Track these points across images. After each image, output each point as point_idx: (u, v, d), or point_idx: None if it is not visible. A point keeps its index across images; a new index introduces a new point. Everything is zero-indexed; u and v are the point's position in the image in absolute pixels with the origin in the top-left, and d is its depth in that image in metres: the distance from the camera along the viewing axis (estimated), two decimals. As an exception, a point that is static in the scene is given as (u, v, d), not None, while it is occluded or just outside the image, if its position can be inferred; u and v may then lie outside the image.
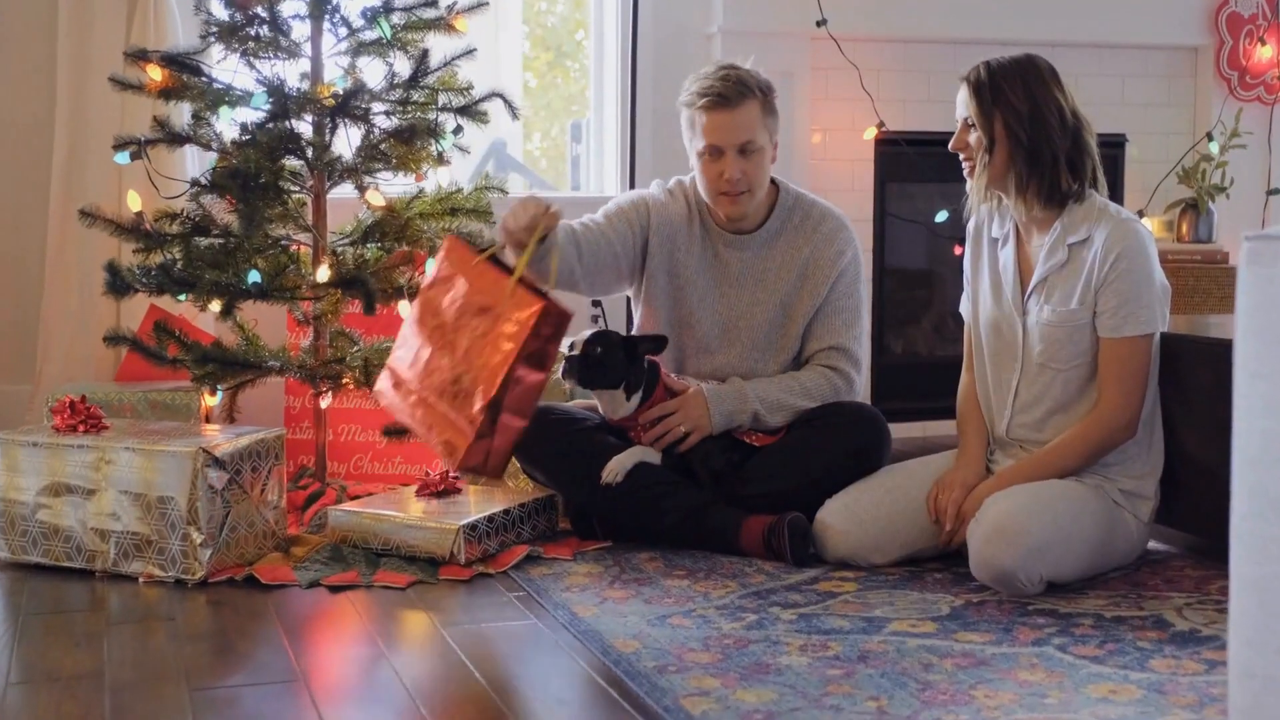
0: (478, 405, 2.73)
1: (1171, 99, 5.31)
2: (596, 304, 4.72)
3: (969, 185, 3.10)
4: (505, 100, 3.55)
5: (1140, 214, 5.25)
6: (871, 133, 4.81)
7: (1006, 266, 3.10)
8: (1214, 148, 5.06)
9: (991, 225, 3.16)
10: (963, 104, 3.04)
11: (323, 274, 3.29)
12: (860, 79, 4.72)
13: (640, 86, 4.68)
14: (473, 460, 2.75)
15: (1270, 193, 5.18)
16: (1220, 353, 3.04)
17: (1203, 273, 4.83)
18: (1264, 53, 5.18)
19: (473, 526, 3.10)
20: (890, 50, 4.94)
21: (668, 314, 3.43)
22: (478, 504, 3.28)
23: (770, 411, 3.33)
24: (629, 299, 4.57)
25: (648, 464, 3.25)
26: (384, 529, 3.15)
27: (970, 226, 3.22)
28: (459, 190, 3.58)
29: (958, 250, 4.94)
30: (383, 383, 2.97)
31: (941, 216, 4.86)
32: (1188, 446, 3.11)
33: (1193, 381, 3.09)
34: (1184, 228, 5.03)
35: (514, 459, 3.37)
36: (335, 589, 2.94)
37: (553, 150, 8.22)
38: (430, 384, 2.83)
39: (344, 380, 3.38)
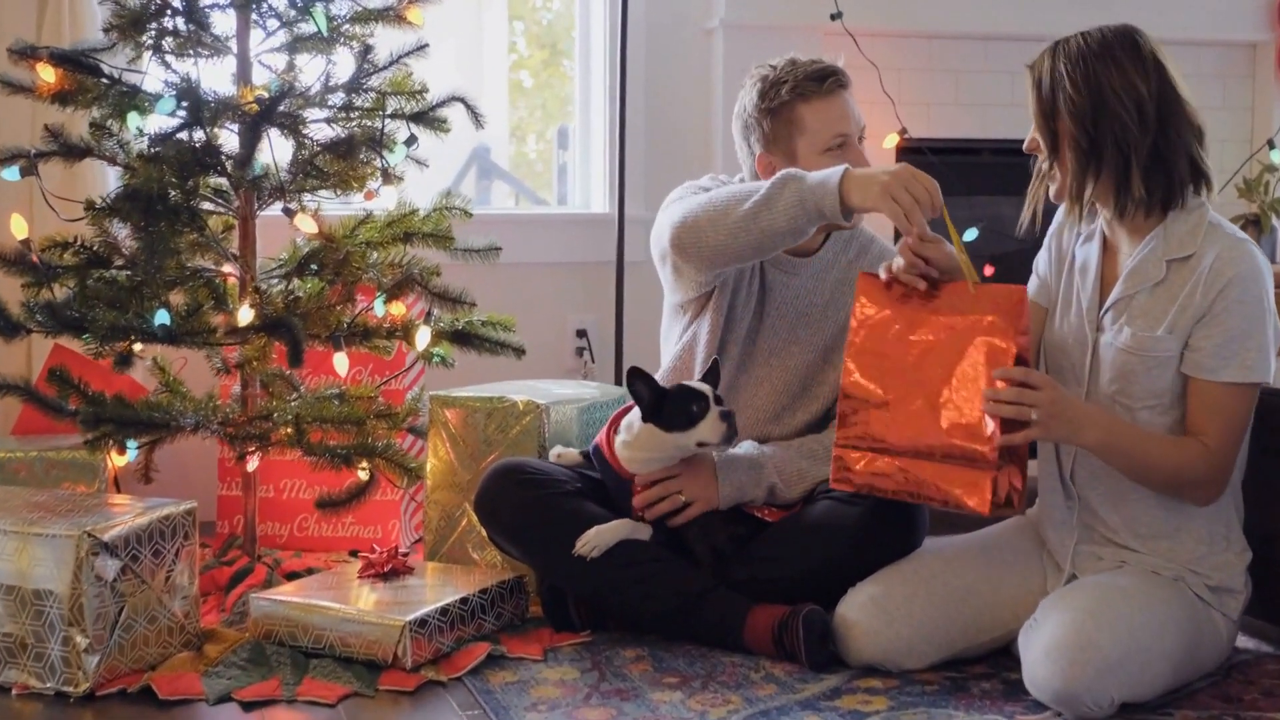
0: (989, 429, 2.36)
1: (1226, 101, 4.75)
2: (581, 334, 4.18)
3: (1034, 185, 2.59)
4: (468, 106, 3.02)
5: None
6: (893, 140, 4.27)
7: (1087, 268, 2.57)
8: (1276, 156, 4.50)
9: (1079, 221, 2.62)
10: (1031, 111, 2.54)
11: (245, 315, 2.74)
12: (880, 79, 4.17)
13: (631, 87, 4.14)
14: (1001, 495, 2.39)
15: (1341, 207, 4.62)
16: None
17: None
18: (1334, 48, 4.62)
19: (422, 622, 2.56)
20: (913, 47, 4.42)
21: (710, 337, 2.89)
22: (432, 588, 2.75)
23: (789, 485, 2.80)
24: (620, 328, 4.05)
25: (637, 540, 2.71)
26: (316, 622, 2.61)
27: (1056, 220, 2.68)
28: (414, 212, 3.03)
29: (988, 270, 4.43)
30: (839, 469, 2.53)
31: (970, 235, 4.25)
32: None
33: None
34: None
35: (478, 526, 2.85)
36: (249, 705, 2.40)
37: (548, 155, 7.73)
38: (913, 436, 2.44)
39: (273, 439, 2.83)
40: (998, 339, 2.38)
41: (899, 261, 2.48)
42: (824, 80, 2.80)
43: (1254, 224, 4.46)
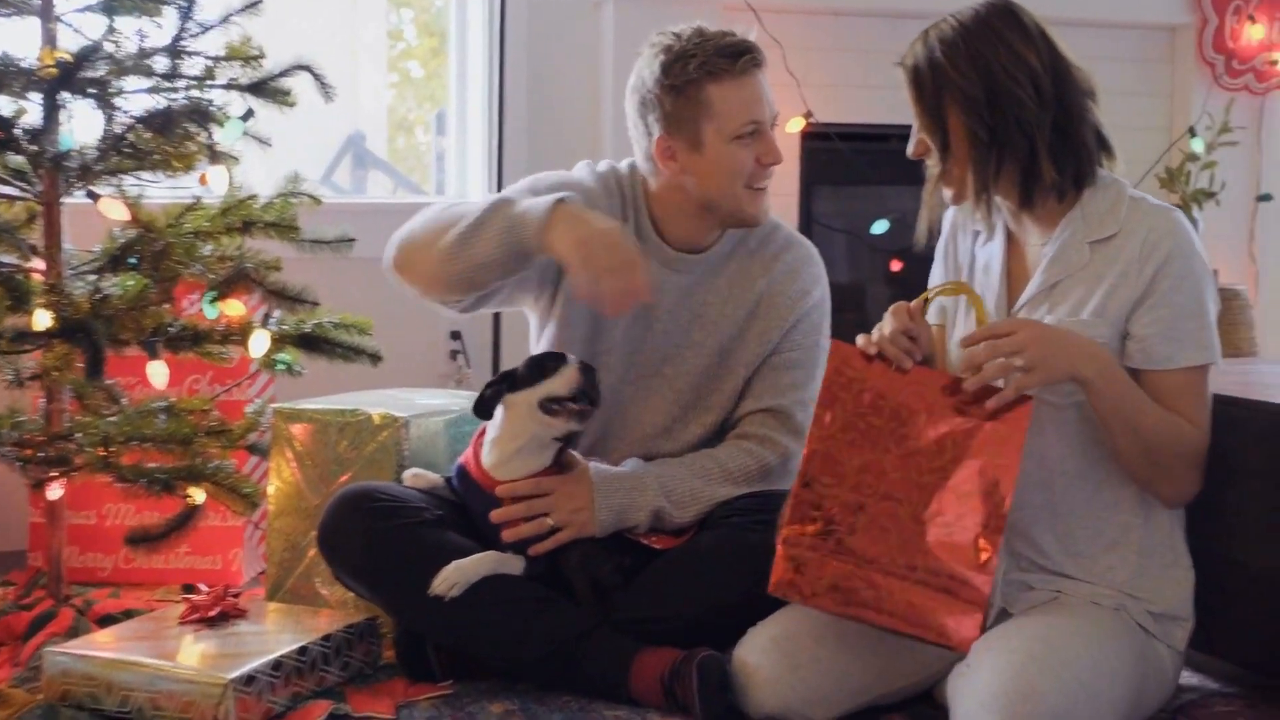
0: (984, 553, 2.03)
1: (1145, 87, 4.49)
2: (456, 335, 3.81)
3: (926, 190, 2.31)
4: (314, 74, 2.63)
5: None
6: (797, 124, 3.94)
7: (990, 268, 2.31)
8: (1198, 145, 4.26)
9: (972, 216, 2.36)
10: (910, 97, 2.25)
11: (42, 318, 2.32)
12: (784, 58, 3.82)
13: (511, 65, 3.77)
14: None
15: (1260, 199, 4.37)
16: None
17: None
18: (1254, 33, 4.37)
19: (249, 679, 2.17)
20: (820, 24, 4.10)
21: (582, 346, 2.53)
22: (268, 635, 2.36)
23: (679, 508, 2.44)
24: (497, 329, 3.69)
25: (506, 575, 2.34)
26: (124, 680, 2.21)
27: (948, 218, 2.41)
28: (252, 198, 2.63)
29: (895, 266, 4.13)
30: (785, 572, 2.11)
31: (880, 227, 4.04)
32: (1234, 549, 2.31)
33: (1242, 462, 2.28)
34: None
35: (324, 562, 2.46)
36: (33, 786, 2.00)
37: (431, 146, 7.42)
38: (890, 548, 2.07)
39: (77, 463, 2.41)
40: (1002, 454, 2.05)
41: (885, 328, 2.15)
42: (738, 57, 2.45)
43: (1176, 216, 4.19)
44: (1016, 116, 2.15)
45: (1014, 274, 2.28)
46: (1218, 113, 4.25)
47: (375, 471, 2.61)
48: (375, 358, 2.75)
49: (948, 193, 2.25)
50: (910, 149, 2.26)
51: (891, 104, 2.33)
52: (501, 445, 2.39)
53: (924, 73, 2.20)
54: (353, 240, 2.80)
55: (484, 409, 2.40)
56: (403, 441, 2.63)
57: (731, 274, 2.58)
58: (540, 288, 2.53)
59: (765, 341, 2.56)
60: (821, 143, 4.02)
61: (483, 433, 2.45)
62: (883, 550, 2.08)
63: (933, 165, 2.25)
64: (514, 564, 2.37)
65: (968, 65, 2.16)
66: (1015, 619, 2.16)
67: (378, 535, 2.36)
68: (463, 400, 2.84)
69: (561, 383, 2.34)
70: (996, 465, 2.06)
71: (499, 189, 3.72)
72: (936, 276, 2.42)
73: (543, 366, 2.37)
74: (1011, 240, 2.29)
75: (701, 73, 2.43)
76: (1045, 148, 2.16)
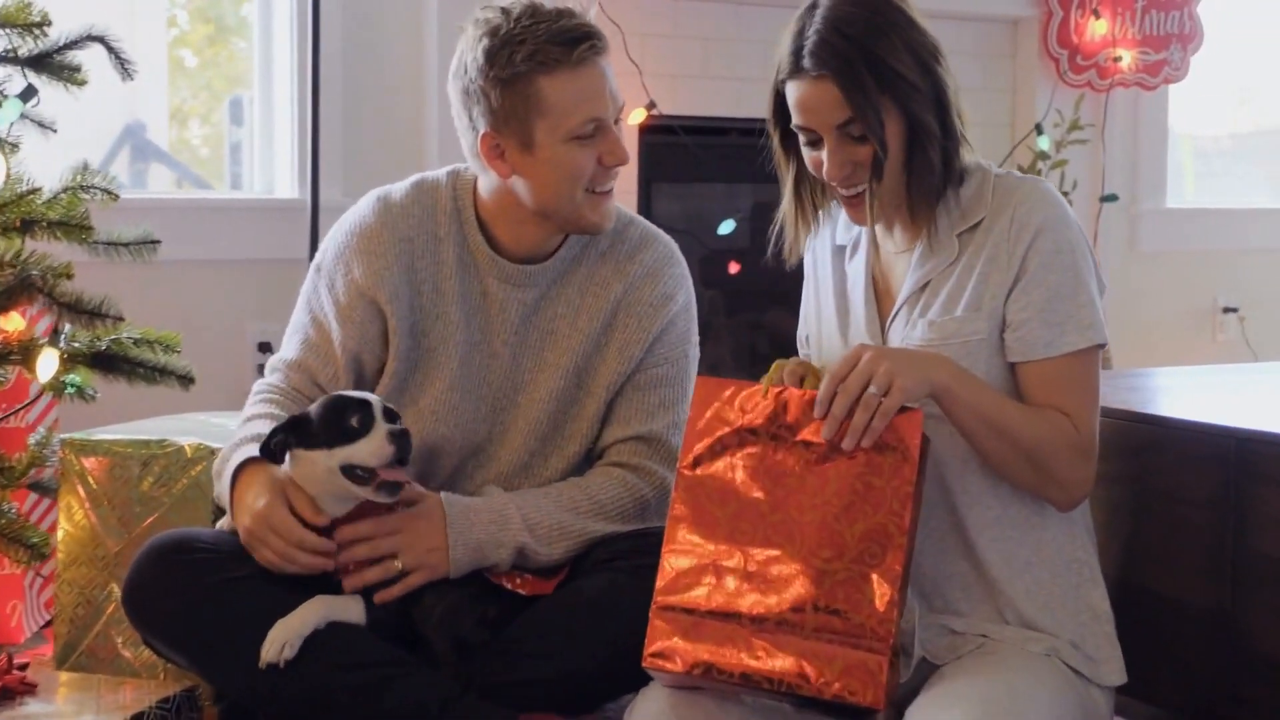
0: (882, 595, 1.75)
1: (986, 82, 4.38)
2: (265, 348, 3.43)
3: (786, 212, 2.06)
4: (108, 47, 2.24)
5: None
6: (639, 116, 3.66)
7: (856, 284, 2.06)
8: (1044, 143, 4.13)
9: (834, 230, 2.11)
10: (826, 106, 1.91)
11: None
12: (625, 44, 3.54)
13: (326, 47, 3.41)
14: (895, 688, 1.81)
15: (1104, 199, 4.27)
16: (1226, 450, 2.03)
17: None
18: (1097, 28, 4.27)
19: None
20: (659, 9, 3.87)
21: (400, 385, 2.20)
22: (58, 714, 1.96)
23: (545, 543, 2.13)
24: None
25: (346, 627, 2.00)
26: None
27: (786, 244, 2.13)
28: (34, 192, 2.22)
29: (734, 268, 3.91)
30: (662, 640, 1.79)
31: (726, 228, 3.81)
32: (1163, 585, 2.12)
33: (1174, 489, 2.09)
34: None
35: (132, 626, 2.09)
36: None
37: (215, 138, 6.93)
38: (778, 601, 1.78)
39: None
40: (896, 480, 1.79)
41: (794, 364, 1.89)
42: (575, 45, 2.12)
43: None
44: (949, 97, 1.90)
45: (880, 284, 2.04)
46: (1067, 110, 4.14)
47: (187, 514, 2.28)
48: (186, 379, 2.37)
49: (856, 214, 1.97)
50: (831, 170, 1.93)
51: (738, 96, 2.07)
52: (306, 488, 2.05)
53: (858, 68, 1.87)
54: (156, 242, 2.40)
55: (273, 457, 2.05)
56: (218, 476, 2.26)
57: (581, 281, 2.26)
58: (377, 347, 2.22)
59: (627, 357, 2.26)
60: (664, 136, 3.76)
61: None
62: (769, 606, 1.80)
63: (846, 186, 1.97)
64: (352, 609, 2.03)
65: (906, 52, 1.88)
66: (947, 681, 1.90)
67: (196, 594, 2.00)
68: (290, 426, 2.47)
69: (368, 452, 1.99)
70: (892, 496, 1.80)
71: (314, 184, 3.38)
72: (809, 301, 2.16)
73: (342, 422, 2.00)
74: (876, 252, 2.05)
75: (532, 64, 2.10)
76: (955, 138, 1.91)
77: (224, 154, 4.47)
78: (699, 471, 1.84)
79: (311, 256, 3.19)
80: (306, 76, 3.45)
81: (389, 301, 2.17)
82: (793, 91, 1.93)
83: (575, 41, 2.10)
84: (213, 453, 2.26)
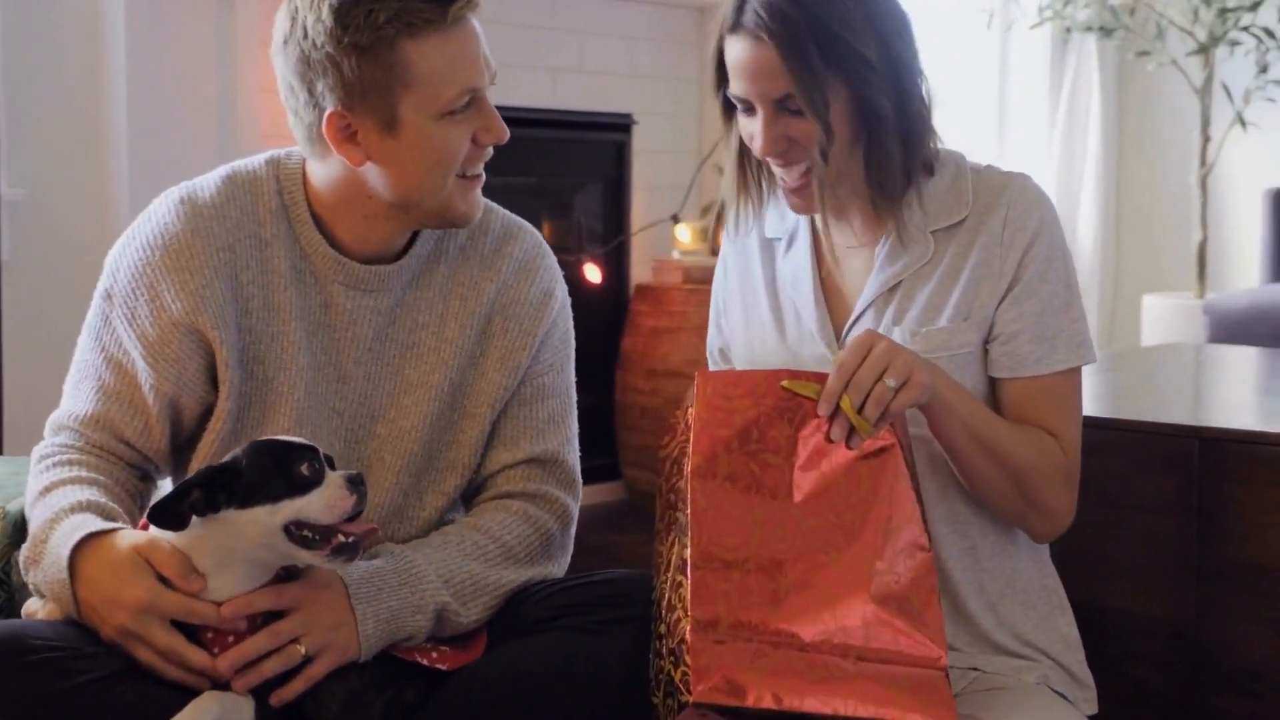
0: (927, 600, 1.54)
1: (670, 70, 4.20)
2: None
3: (728, 187, 1.84)
4: None
5: (675, 219, 4.10)
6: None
7: (798, 280, 1.83)
8: (740, 134, 4.00)
9: (760, 221, 1.87)
10: (763, 74, 1.69)
11: None
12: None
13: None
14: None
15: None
16: (1188, 451, 1.94)
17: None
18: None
19: None
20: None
21: (233, 428, 1.75)
22: None
23: (463, 602, 1.75)
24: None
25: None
26: None
27: (730, 226, 1.91)
28: None
29: (596, 277, 3.58)
30: (714, 670, 1.49)
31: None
32: (1122, 600, 2.00)
33: (1126, 495, 1.98)
34: (721, 239, 3.90)
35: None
36: None
37: None
38: (830, 621, 1.53)
39: None
40: (899, 479, 1.60)
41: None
42: (447, 1, 1.75)
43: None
44: (911, 81, 1.71)
45: (830, 286, 1.82)
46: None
47: None
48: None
49: (799, 200, 1.74)
50: (761, 145, 1.70)
51: (549, 87, 1.78)
52: (202, 561, 1.58)
53: (803, 36, 1.65)
54: None
55: (177, 520, 1.58)
56: (5, 546, 1.74)
57: (442, 283, 1.87)
58: (199, 386, 1.76)
59: (511, 368, 1.89)
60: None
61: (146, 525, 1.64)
62: (823, 628, 1.55)
63: (783, 164, 1.73)
64: (243, 709, 1.58)
65: (863, 23, 1.67)
66: None
67: (46, 708, 1.50)
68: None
69: (324, 505, 1.56)
70: (896, 492, 1.61)
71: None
72: (732, 304, 1.92)
73: (290, 469, 1.58)
74: (818, 245, 1.83)
75: (398, 26, 1.69)
76: (918, 123, 1.73)
77: None
78: (714, 474, 1.58)
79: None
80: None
81: (214, 328, 1.71)
82: (730, 50, 1.69)
83: None
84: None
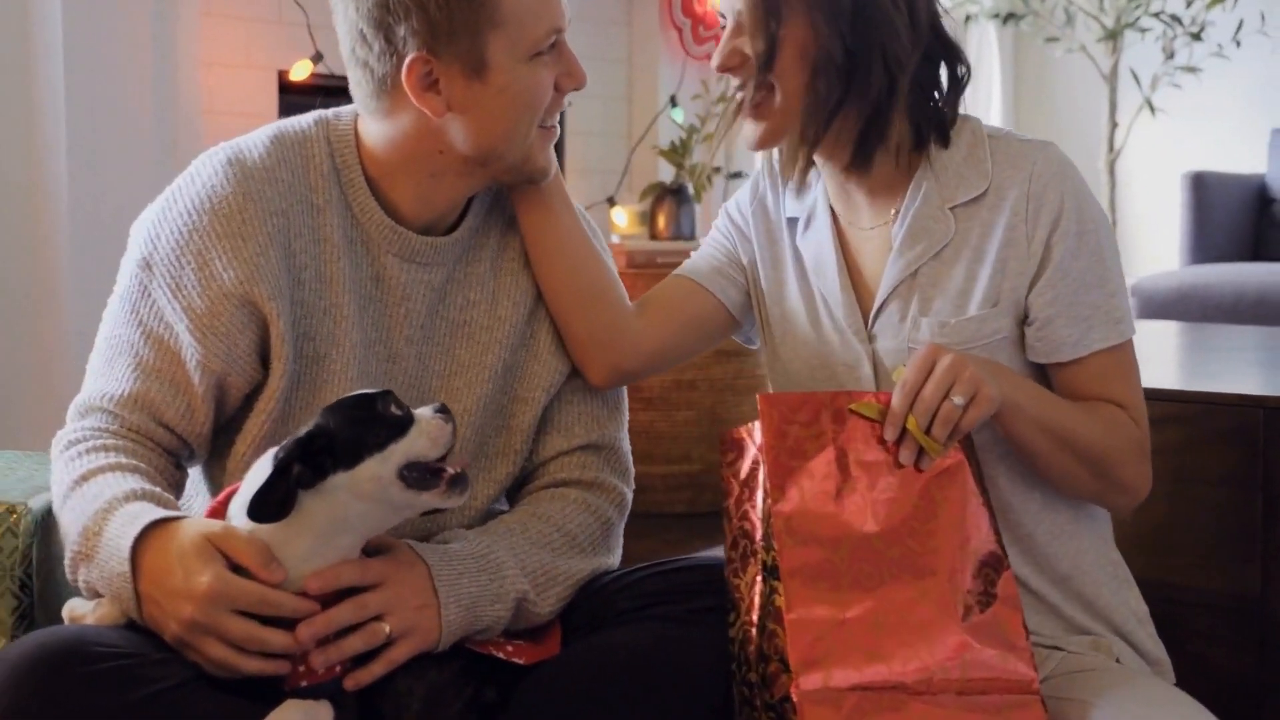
0: (1013, 623, 1.46)
1: (601, 51, 4.08)
2: None
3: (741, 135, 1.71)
4: None
5: (611, 201, 3.99)
6: (305, 69, 3.05)
7: (822, 265, 1.74)
8: (679, 115, 3.91)
9: (780, 198, 1.78)
10: None
11: None
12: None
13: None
14: None
15: (731, 176, 4.12)
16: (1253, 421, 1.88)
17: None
18: (717, -1, 4.10)
19: None
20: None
21: (284, 409, 1.60)
22: None
23: (541, 593, 1.63)
24: None
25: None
26: None
27: (738, 200, 1.82)
28: None
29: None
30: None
31: None
32: (1183, 576, 1.94)
33: (1196, 468, 1.92)
34: (662, 221, 3.80)
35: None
36: None
37: None
38: (925, 658, 1.42)
39: None
40: (968, 489, 1.52)
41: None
42: None
43: (673, 194, 3.82)
44: (883, 43, 1.60)
45: (853, 269, 1.72)
46: (696, 82, 3.95)
47: None
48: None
49: (753, 128, 1.65)
50: (719, 59, 1.64)
51: None
52: (301, 541, 1.44)
53: None
54: None
55: (281, 507, 1.43)
56: (28, 545, 1.56)
57: (492, 255, 1.76)
58: (248, 364, 1.60)
59: (566, 351, 1.79)
60: (342, 99, 3.17)
61: (220, 507, 1.48)
62: (919, 666, 1.46)
63: (743, 85, 1.65)
64: (321, 715, 1.44)
65: None
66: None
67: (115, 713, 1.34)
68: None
69: (426, 440, 1.44)
70: (969, 513, 1.53)
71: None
72: (728, 244, 1.81)
73: (378, 416, 1.45)
74: (839, 228, 1.73)
75: None
76: (904, 92, 1.62)
77: None
78: (795, 509, 1.47)
79: None
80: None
81: (270, 299, 1.56)
82: None
83: None
84: (13, 512, 1.54)
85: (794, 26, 1.58)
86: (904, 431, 1.49)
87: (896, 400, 1.49)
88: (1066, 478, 1.63)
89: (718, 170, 3.83)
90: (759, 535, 1.50)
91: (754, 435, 1.54)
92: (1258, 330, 3.30)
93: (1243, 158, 5.11)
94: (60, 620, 1.56)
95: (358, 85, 1.62)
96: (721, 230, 1.83)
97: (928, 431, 1.48)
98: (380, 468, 1.42)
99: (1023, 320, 1.63)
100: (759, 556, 1.49)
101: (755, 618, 1.48)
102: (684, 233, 3.80)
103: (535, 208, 1.72)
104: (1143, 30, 4.89)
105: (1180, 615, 1.91)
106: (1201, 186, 4.64)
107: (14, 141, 2.71)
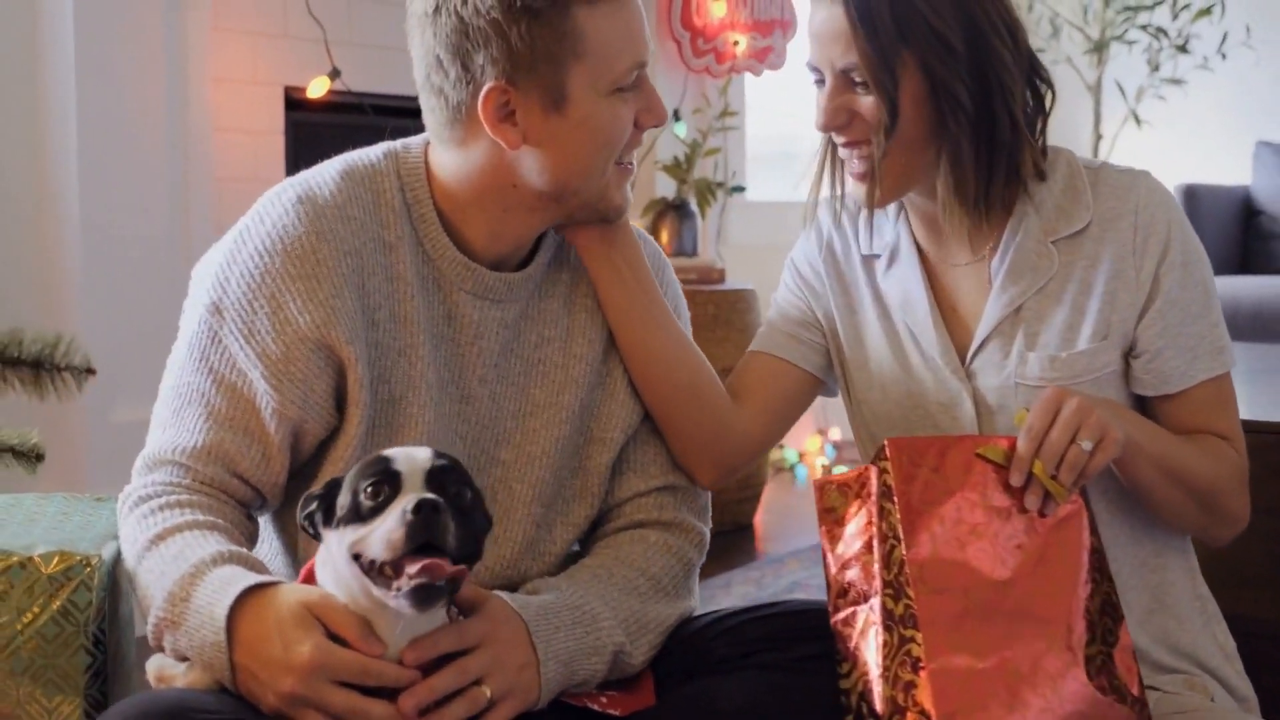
0: (1130, 670, 1.45)
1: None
2: None
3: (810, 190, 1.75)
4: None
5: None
6: (321, 86, 2.98)
7: (911, 302, 1.72)
8: (681, 129, 3.87)
9: (851, 238, 1.77)
10: (831, 39, 1.61)
11: None
12: (308, 1, 2.87)
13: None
14: None
15: (733, 190, 4.08)
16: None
17: (707, 299, 3.58)
18: (715, 10, 4.06)
19: None
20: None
21: (359, 452, 1.53)
22: None
23: (635, 643, 1.58)
24: None
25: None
26: None
27: (805, 252, 1.80)
28: None
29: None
30: None
31: None
32: (1243, 606, 1.89)
33: (1262, 499, 1.85)
34: (664, 237, 3.76)
35: None
36: None
37: None
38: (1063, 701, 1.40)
39: None
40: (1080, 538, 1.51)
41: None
42: None
43: (675, 209, 3.77)
44: (999, 78, 1.58)
45: (945, 306, 1.70)
46: (708, 95, 3.91)
47: (51, 665, 1.47)
48: (34, 457, 1.54)
49: (862, 190, 1.63)
50: (824, 119, 1.61)
51: None
52: (389, 610, 1.37)
53: (878, 5, 1.55)
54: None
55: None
56: (101, 600, 1.49)
57: (565, 292, 1.71)
58: (324, 410, 1.54)
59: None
60: (347, 116, 3.10)
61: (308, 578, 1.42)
62: (1057, 712, 1.45)
63: (849, 143, 1.62)
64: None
65: (951, 7, 1.56)
66: None
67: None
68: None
69: (378, 538, 1.30)
70: (1088, 559, 1.52)
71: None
72: (800, 290, 1.79)
73: (353, 488, 1.35)
74: (926, 261, 1.72)
75: None
76: (1025, 120, 1.61)
77: None
78: (928, 555, 1.45)
79: None
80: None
81: (347, 343, 1.50)
82: (811, 16, 1.61)
83: None
84: (85, 563, 1.47)
85: (909, 81, 1.56)
86: (1029, 476, 1.46)
87: (1023, 444, 1.47)
88: (1175, 512, 1.62)
89: (720, 185, 3.78)
90: (880, 582, 1.46)
91: (868, 479, 1.51)
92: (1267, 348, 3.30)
93: (1228, 169, 5.14)
94: (129, 677, 1.50)
95: (431, 112, 1.56)
96: (791, 288, 1.80)
97: (1054, 476, 1.45)
98: (335, 544, 1.35)
99: (1128, 353, 1.62)
100: (884, 604, 1.45)
101: (879, 667, 1.44)
102: (686, 249, 3.76)
103: (613, 285, 1.65)
104: (1129, 42, 4.91)
105: (1256, 650, 1.89)
106: (1192, 199, 4.66)
107: (25, 156, 2.66)
